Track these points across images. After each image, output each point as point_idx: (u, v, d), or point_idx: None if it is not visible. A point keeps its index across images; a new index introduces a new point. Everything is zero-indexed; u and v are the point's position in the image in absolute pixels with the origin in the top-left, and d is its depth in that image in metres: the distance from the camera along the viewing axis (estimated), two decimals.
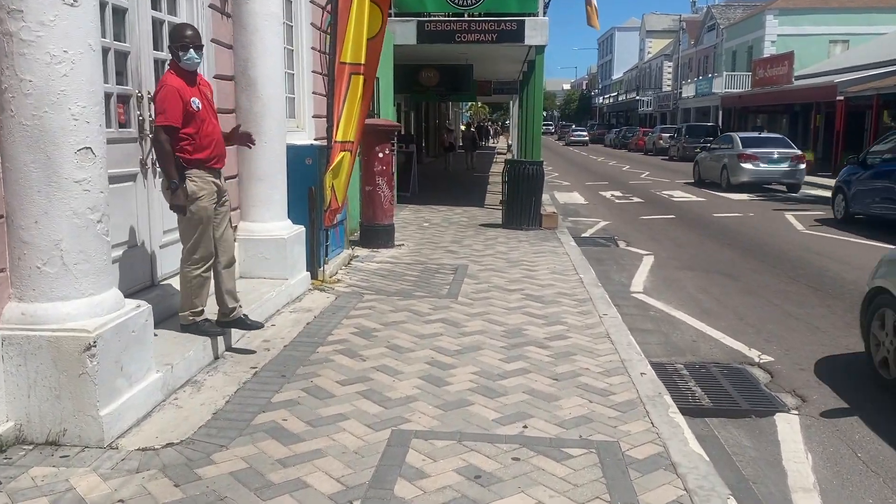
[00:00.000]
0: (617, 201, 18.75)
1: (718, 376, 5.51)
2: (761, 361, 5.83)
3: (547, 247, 10.29)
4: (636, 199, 19.00)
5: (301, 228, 7.02)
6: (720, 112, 43.09)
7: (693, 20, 59.18)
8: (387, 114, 13.64)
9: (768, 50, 40.57)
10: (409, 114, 28.91)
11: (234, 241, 5.92)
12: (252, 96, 6.43)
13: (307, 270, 7.21)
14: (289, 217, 7.55)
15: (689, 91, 50.48)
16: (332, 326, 5.84)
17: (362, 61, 7.53)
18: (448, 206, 15.35)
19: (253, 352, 5.15)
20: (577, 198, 19.71)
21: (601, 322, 6.21)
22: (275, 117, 6.54)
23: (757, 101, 35.95)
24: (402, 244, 10.21)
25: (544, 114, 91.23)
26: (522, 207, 11.99)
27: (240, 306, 5.05)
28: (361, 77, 7.52)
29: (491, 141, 61.14)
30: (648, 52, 75.90)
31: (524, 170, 11.86)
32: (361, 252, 9.44)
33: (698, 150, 26.99)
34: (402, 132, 25.22)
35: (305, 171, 7.53)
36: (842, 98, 26.47)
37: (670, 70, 63.48)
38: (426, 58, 17.18)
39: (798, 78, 33.08)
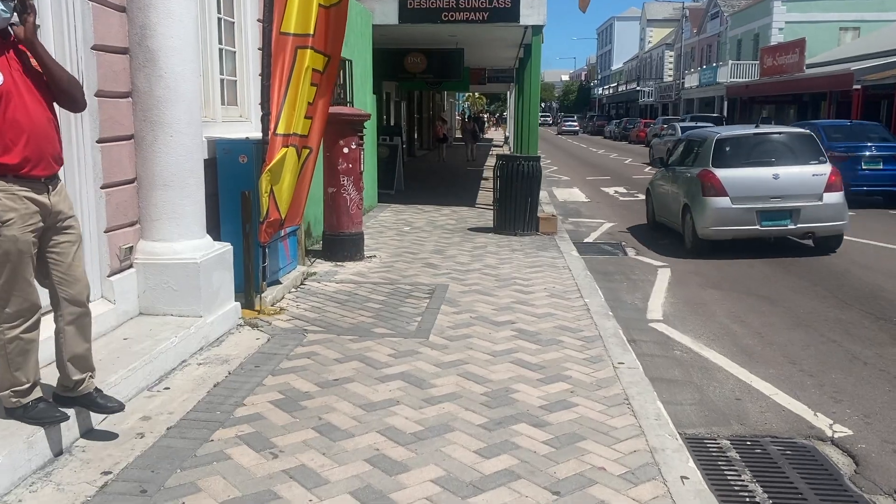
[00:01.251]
0: (621, 199, 17.19)
1: (781, 462, 3.95)
2: (836, 436, 4.26)
3: (545, 258, 8.72)
4: (642, 197, 17.36)
5: (226, 247, 5.44)
6: (725, 102, 41.42)
7: (695, 8, 57.41)
8: (364, 103, 12.04)
9: (776, 38, 38.88)
10: (399, 104, 27.31)
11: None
12: (152, 75, 4.84)
13: (237, 301, 5.64)
14: (221, 230, 6.00)
15: (692, 81, 48.75)
16: (249, 389, 4.26)
17: (311, 31, 5.94)
18: (435, 206, 13.77)
19: (118, 437, 3.57)
20: (577, 195, 18.13)
21: (616, 377, 4.64)
22: (185, 103, 4.95)
23: (765, 90, 34.31)
24: (374, 255, 8.62)
25: (542, 105, 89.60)
26: (517, 210, 10.41)
27: (90, 377, 3.47)
28: (310, 52, 5.94)
29: (487, 132, 59.58)
30: (649, 42, 74.11)
31: (519, 167, 10.27)
32: (322, 267, 7.85)
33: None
34: (391, 123, 23.69)
35: (240, 171, 5.97)
36: (859, 87, 24.86)
37: (671, 60, 61.77)
38: (411, 40, 15.56)
39: (808, 67, 31.43)
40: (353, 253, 8.24)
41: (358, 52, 11.59)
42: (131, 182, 4.92)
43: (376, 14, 12.45)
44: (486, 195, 14.80)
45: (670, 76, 60.48)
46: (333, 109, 8.16)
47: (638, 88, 69.35)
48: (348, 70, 10.76)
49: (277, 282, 6.57)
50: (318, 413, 3.94)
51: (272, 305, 6.14)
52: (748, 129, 10.56)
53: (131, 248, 4.91)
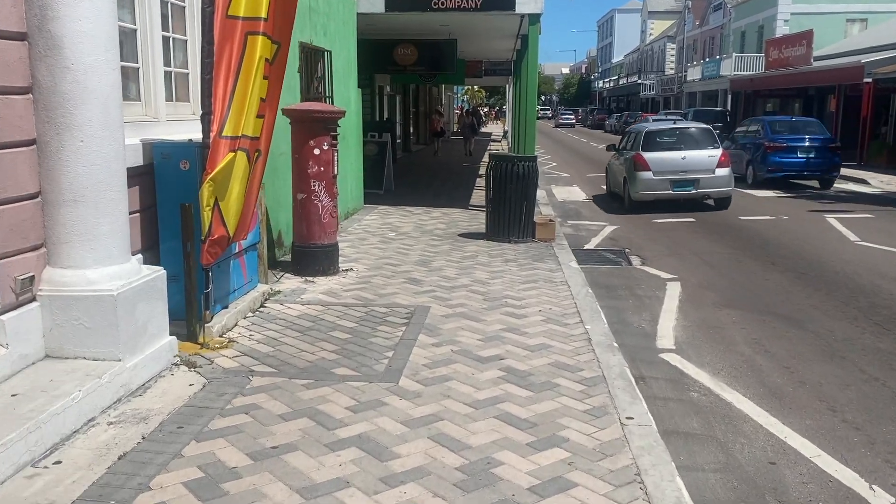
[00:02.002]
0: None
1: None
2: None
3: (541, 271, 7.84)
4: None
5: (156, 273, 4.56)
6: (729, 96, 40.47)
7: None
8: (347, 98, 11.16)
9: (781, 29, 37.90)
10: (394, 98, 26.40)
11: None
12: (56, 67, 3.95)
13: (177, 333, 4.77)
14: (161, 249, 5.15)
15: (694, 74, 47.74)
16: (162, 463, 3.38)
17: (263, 15, 5.06)
18: (425, 208, 12.90)
19: None
20: (577, 193, 17.25)
21: (625, 439, 3.76)
22: (98, 101, 4.06)
23: (771, 83, 33.36)
24: (351, 268, 7.75)
25: (542, 98, 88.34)
26: (511, 214, 9.53)
27: None
28: (261, 39, 5.06)
29: (486, 126, 58.78)
30: (650, 35, 73.07)
31: (513, 168, 9.38)
32: (289, 284, 6.98)
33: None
34: (385, 118, 22.76)
35: (181, 179, 5.10)
36: (869, 80, 23.94)
37: (673, 52, 60.77)
38: (401, 31, 14.67)
39: (815, 59, 30.49)
40: (325, 267, 7.36)
41: (340, 42, 10.70)
42: (33, 197, 4.03)
43: (361, 2, 11.55)
44: (480, 195, 13.91)
45: (672, 69, 59.52)
46: (302, 106, 7.30)
47: (639, 82, 68.39)
48: (327, 62, 9.87)
49: (230, 306, 5.70)
50: (244, 501, 3.07)
51: (220, 336, 5.26)
52: (668, 125, 15.22)
53: (32, 277, 4.03)
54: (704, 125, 15.15)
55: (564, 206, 14.93)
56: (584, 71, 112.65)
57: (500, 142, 38.13)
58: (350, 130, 11.53)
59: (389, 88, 25.57)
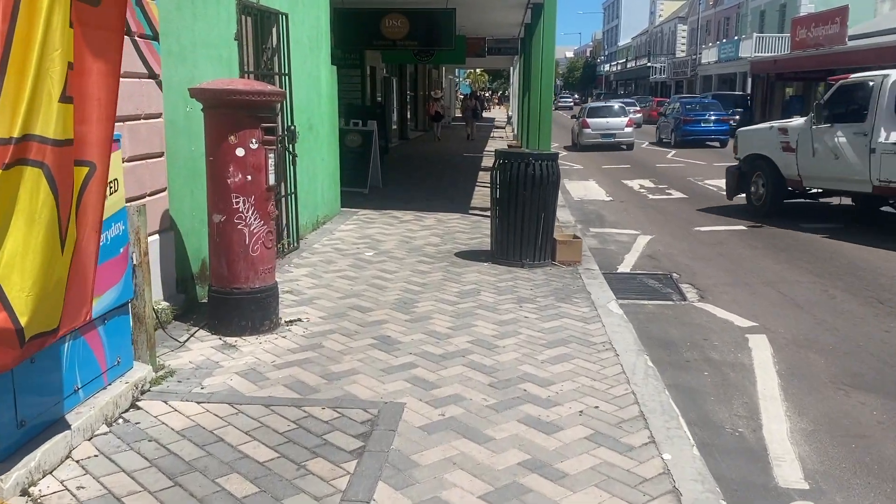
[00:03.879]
0: (651, 196, 13.95)
1: None
2: None
3: (570, 320, 5.51)
4: (676, 194, 14.19)
5: None
6: (748, 79, 37.92)
7: None
8: (315, 78, 8.80)
9: (805, 8, 35.34)
10: (389, 80, 23.93)
11: None
12: None
13: None
14: None
15: (709, 56, 45.16)
16: None
17: None
18: (417, 212, 10.56)
19: None
20: (595, 190, 14.89)
21: None
22: None
23: (798, 65, 30.78)
24: (299, 318, 5.40)
25: None
26: (525, 229, 7.19)
27: None
28: None
29: (490, 110, 56.41)
30: (660, 16, 70.26)
31: (527, 169, 7.02)
32: (196, 352, 4.63)
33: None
34: (374, 103, 20.33)
35: None
36: None
37: (685, 34, 58.07)
38: None
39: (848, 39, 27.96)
40: (256, 321, 5.00)
41: (303, 5, 8.30)
42: None
43: None
44: (483, 194, 11.55)
45: (683, 52, 56.84)
46: (215, 85, 4.92)
47: (649, 65, 65.69)
48: (283, 28, 7.46)
49: (64, 419, 3.36)
50: None
51: (23, 492, 2.93)
52: (601, 103, 30.63)
53: None
54: (622, 103, 28.57)
55: (583, 207, 12.58)
56: (588, 54, 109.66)
57: (503, 128, 35.72)
58: (321, 118, 9.16)
59: (386, 71, 23.13)
